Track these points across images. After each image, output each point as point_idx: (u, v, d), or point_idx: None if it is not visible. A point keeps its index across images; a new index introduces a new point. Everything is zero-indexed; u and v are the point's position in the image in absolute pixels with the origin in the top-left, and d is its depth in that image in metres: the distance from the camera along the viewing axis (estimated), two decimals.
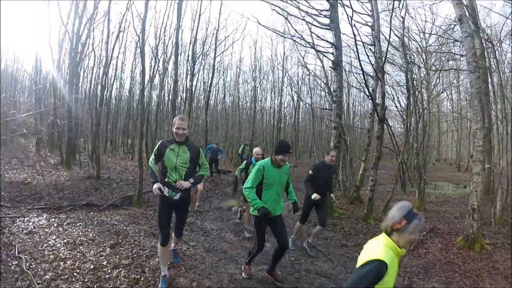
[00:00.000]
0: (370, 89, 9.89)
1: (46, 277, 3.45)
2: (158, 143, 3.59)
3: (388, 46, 7.83)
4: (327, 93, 15.75)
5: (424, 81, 16.34)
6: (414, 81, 13.25)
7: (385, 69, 11.17)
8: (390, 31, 7.33)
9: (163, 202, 3.51)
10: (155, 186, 3.31)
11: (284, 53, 24.71)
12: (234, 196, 9.46)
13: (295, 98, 25.88)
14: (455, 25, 12.48)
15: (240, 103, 26.29)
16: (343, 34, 8.92)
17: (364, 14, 9.89)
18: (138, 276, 3.68)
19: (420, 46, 16.07)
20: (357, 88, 20.23)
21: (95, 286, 3.37)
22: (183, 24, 19.97)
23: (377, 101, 8.87)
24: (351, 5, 7.36)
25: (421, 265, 5.21)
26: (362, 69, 7.13)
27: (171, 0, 18.69)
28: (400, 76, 18.80)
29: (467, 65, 6.62)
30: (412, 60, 14.17)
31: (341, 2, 7.74)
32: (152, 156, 3.58)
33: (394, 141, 12.25)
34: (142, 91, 8.46)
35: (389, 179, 14.89)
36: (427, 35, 15.87)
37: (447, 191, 14.26)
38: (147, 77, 14.32)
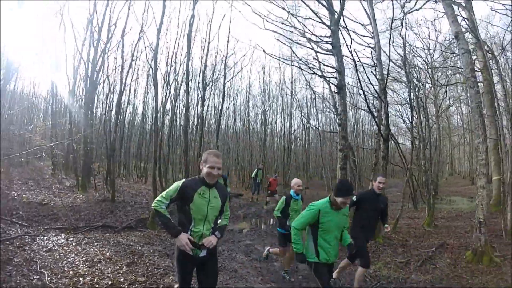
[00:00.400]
0: (376, 109, 10.11)
1: None
2: (179, 184, 2.68)
3: (389, 67, 8.08)
4: (335, 115, 16.04)
5: (432, 96, 16.51)
6: (422, 97, 13.45)
7: (392, 87, 11.45)
8: (389, 51, 7.64)
9: (184, 258, 2.65)
10: (183, 239, 2.51)
11: (292, 76, 25.27)
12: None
13: (304, 120, 26.31)
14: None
15: (250, 126, 26.79)
16: (347, 57, 9.24)
17: (366, 36, 10.25)
18: None
19: (425, 61, 16.33)
20: (363, 109, 20.49)
21: None
22: (193, 51, 20.85)
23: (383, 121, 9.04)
24: (349, 33, 7.72)
25: (428, 280, 5.23)
26: (364, 94, 7.41)
27: (181, 29, 19.60)
28: (407, 93, 19.06)
29: (466, 80, 6.83)
30: (417, 77, 14.43)
31: (341, 29, 8.10)
32: (165, 199, 2.63)
33: (403, 159, 12.33)
34: (155, 118, 8.94)
35: (401, 196, 14.77)
36: (431, 51, 16.12)
37: (461, 206, 14.08)
38: (159, 104, 14.89)
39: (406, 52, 15.27)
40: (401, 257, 6.40)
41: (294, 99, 25.43)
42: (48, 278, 3.94)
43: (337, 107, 13.60)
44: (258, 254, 6.45)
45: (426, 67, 15.85)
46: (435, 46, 15.67)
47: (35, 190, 10.76)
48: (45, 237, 5.78)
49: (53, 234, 6.16)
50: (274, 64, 42.23)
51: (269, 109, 26.76)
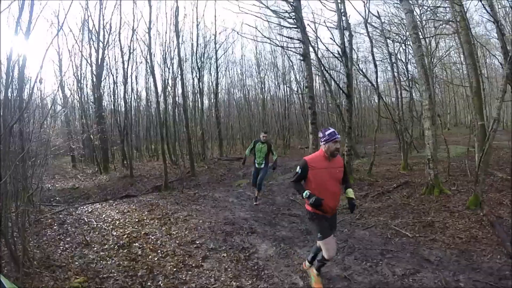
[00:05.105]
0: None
1: (109, 228, 5.45)
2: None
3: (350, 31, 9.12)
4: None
5: (423, 48, 17.20)
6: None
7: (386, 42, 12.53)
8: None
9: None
10: None
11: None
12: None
13: (302, 84, 27.21)
14: None
15: (247, 95, 28.01)
16: (321, 25, 10.32)
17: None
18: (166, 222, 5.75)
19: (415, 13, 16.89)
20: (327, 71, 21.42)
21: (140, 228, 5.34)
22: (185, 36, 21.48)
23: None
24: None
25: (377, 207, 6.10)
26: (320, 61, 8.47)
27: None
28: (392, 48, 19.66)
29: (410, 37, 7.81)
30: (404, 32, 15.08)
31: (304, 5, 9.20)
32: None
33: (388, 111, 13.57)
34: (157, 103, 10.56)
35: (394, 149, 15.93)
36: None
37: (450, 153, 14.80)
38: (160, 88, 16.25)
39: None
40: (364, 192, 7.25)
41: (289, 63, 26.27)
42: (95, 224, 5.68)
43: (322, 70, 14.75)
44: (246, 197, 8.24)
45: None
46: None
47: (64, 180, 12.54)
48: (84, 207, 7.40)
49: (89, 205, 7.78)
50: (265, 34, 42.18)
51: (266, 76, 27.81)
